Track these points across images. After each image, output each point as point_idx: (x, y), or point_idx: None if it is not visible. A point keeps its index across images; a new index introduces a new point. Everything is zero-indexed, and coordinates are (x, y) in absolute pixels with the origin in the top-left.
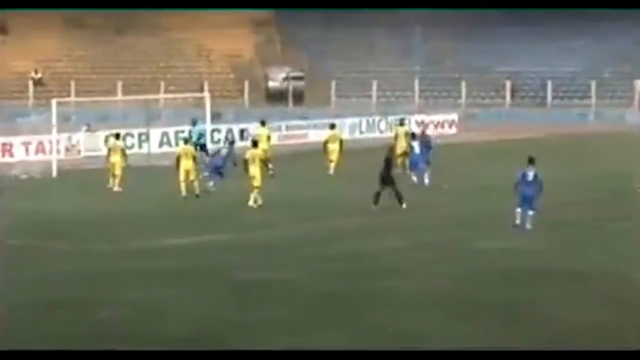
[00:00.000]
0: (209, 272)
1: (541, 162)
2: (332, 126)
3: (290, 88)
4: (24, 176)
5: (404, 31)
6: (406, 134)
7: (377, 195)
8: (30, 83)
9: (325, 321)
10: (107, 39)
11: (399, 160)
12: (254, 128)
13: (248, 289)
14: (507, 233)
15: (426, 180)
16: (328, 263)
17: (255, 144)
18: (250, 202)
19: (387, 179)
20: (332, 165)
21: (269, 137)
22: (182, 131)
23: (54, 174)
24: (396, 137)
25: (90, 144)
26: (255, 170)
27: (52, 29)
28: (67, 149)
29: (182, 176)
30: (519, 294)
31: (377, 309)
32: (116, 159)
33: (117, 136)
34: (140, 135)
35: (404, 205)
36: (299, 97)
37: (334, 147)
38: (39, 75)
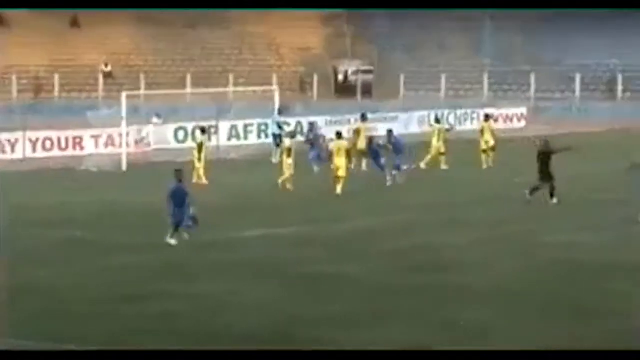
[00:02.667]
0: (277, 265)
1: (610, 157)
2: (437, 120)
3: (360, 81)
4: (94, 169)
5: (474, 25)
6: (492, 129)
7: (535, 189)
8: (101, 76)
9: (392, 316)
10: (177, 32)
11: (483, 157)
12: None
13: (316, 283)
14: (577, 227)
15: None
16: (397, 257)
17: (339, 135)
18: (338, 191)
19: (545, 174)
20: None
21: (358, 132)
22: (252, 124)
23: (124, 167)
24: (482, 131)
25: (160, 136)
26: (340, 161)
27: (122, 22)
28: (136, 142)
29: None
30: (589, 290)
31: (445, 304)
32: (195, 153)
33: (202, 130)
34: (209, 128)
35: (554, 200)
36: (367, 91)
37: (436, 145)
38: (109, 68)
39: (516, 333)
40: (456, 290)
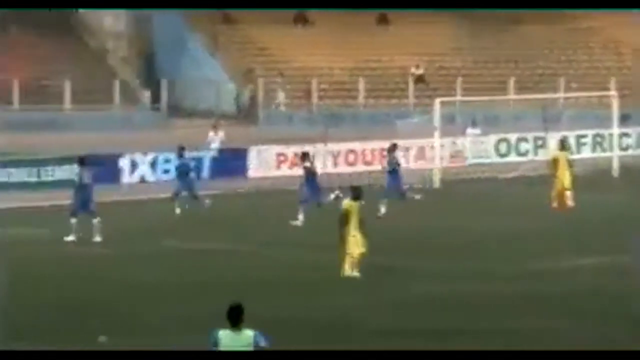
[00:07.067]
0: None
1: None
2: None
3: None
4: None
5: None
6: None
7: None
8: (411, 80)
9: None
10: (502, 29)
11: None
12: None
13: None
14: None
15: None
16: None
17: (563, 144)
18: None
19: None
20: None
21: None
22: (585, 135)
23: (436, 184)
24: None
25: (478, 149)
26: (562, 173)
27: (437, 18)
28: (451, 156)
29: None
30: None
31: None
32: (562, 171)
33: (562, 144)
34: (535, 140)
35: None
36: None
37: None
38: (421, 70)
39: None
40: None
